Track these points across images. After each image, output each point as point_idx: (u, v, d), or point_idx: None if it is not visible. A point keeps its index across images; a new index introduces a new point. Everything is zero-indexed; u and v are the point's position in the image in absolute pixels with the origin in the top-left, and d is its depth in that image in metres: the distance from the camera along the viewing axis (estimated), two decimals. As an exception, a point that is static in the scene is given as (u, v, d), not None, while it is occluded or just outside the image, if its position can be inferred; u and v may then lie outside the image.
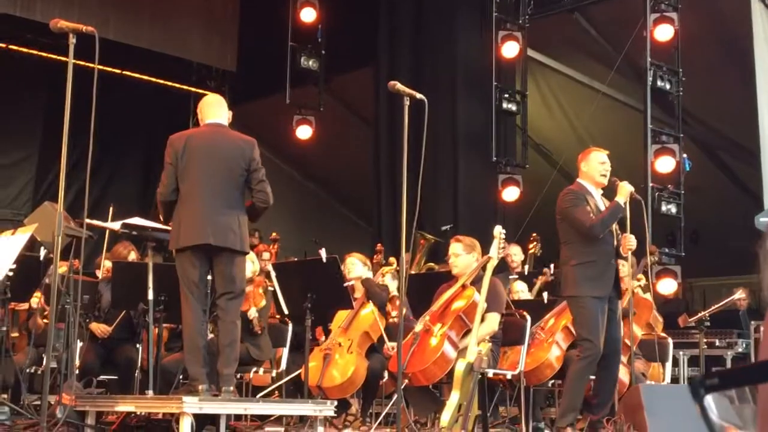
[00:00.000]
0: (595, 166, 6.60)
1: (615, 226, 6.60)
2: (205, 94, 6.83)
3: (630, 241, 6.55)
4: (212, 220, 5.92)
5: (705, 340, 8.32)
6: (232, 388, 6.04)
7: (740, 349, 9.55)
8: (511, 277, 9.64)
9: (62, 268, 6.41)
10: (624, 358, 7.24)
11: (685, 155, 10.52)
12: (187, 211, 5.95)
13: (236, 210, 6.04)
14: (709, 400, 0.66)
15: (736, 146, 12.73)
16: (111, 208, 8.30)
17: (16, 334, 8.21)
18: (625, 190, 6.56)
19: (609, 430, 6.06)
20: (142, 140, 15.21)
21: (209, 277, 6.08)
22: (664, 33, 10.60)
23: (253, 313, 7.50)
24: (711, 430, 0.66)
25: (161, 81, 15.10)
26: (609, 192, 6.75)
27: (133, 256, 8.11)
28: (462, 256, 6.98)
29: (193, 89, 15.22)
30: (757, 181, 10.40)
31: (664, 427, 5.59)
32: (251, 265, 7.45)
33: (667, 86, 10.67)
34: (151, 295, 6.53)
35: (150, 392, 6.50)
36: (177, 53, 14.54)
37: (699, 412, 0.66)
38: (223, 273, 6.03)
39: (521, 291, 8.88)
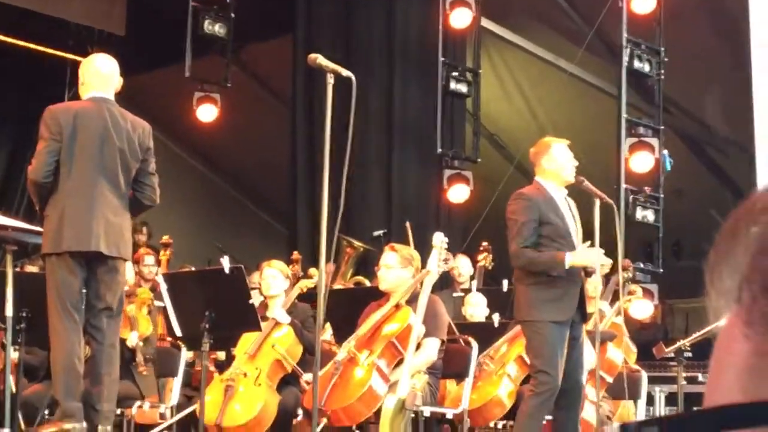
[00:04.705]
0: (561, 161, 6.65)
1: (579, 237, 6.65)
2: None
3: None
4: (104, 223, 5.93)
5: (685, 374, 8.42)
6: (110, 428, 6.00)
7: (727, 385, 9.70)
8: (455, 294, 9.69)
9: None
10: (593, 393, 7.31)
11: (665, 151, 10.66)
12: (73, 208, 5.92)
13: (126, 209, 6.11)
14: None
15: (727, 141, 12.95)
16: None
17: None
18: (586, 258, 6.54)
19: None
20: (7, 118, 14.99)
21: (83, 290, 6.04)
22: (643, 5, 10.74)
23: (133, 341, 7.40)
24: None
25: (31, 45, 14.86)
26: (576, 192, 6.81)
27: None
28: (394, 269, 7.00)
29: (70, 56, 15.01)
30: (751, 183, 10.58)
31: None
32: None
33: (646, 68, 10.80)
34: (9, 311, 6.42)
35: (6, 431, 6.40)
36: (51, 12, 14.33)
37: None
38: (101, 285, 6.01)
39: (476, 305, 8.87)
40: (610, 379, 7.78)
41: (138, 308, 7.62)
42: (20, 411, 6.83)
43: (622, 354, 7.88)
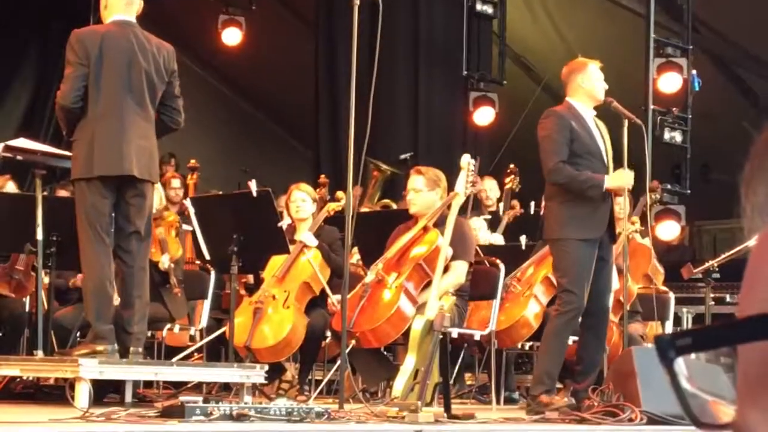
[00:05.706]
0: (596, 81, 6.65)
1: (609, 157, 6.64)
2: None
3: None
4: (135, 146, 5.96)
5: (713, 295, 8.44)
6: (141, 350, 6.07)
7: (755, 306, 9.70)
8: (483, 217, 9.70)
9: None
10: (616, 318, 7.35)
11: (694, 72, 10.57)
12: (103, 133, 5.95)
13: (153, 132, 6.15)
14: (681, 364, 0.67)
15: (757, 61, 12.82)
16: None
17: None
18: (622, 180, 6.55)
19: (595, 401, 6.16)
20: (30, 45, 14.94)
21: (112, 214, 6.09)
22: None
23: (165, 263, 7.45)
24: (683, 405, 0.66)
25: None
26: (602, 115, 6.79)
27: (11, 187, 8.02)
28: (423, 192, 7.01)
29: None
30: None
31: (659, 399, 5.70)
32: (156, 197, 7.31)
33: (675, -14, 10.69)
34: (40, 235, 6.48)
35: (39, 353, 6.48)
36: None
37: (668, 381, 0.66)
38: (131, 208, 6.05)
39: (478, 229, 8.89)
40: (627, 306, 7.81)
41: (167, 231, 7.65)
42: (52, 333, 6.90)
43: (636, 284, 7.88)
